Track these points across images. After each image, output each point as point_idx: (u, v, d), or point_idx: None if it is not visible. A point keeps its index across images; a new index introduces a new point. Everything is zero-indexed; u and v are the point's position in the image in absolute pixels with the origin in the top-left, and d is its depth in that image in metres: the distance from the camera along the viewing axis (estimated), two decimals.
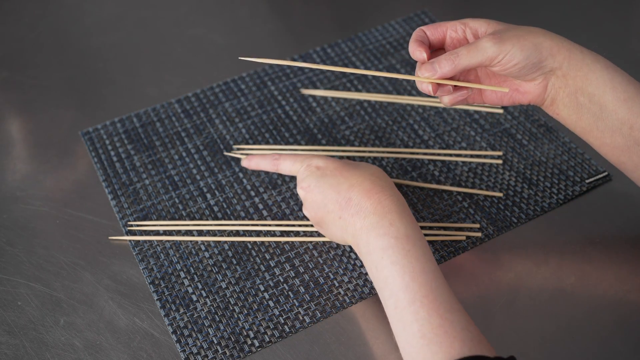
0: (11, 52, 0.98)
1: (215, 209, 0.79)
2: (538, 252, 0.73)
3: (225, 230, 0.76)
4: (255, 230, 0.76)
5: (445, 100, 0.66)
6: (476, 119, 0.86)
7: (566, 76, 0.64)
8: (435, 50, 0.67)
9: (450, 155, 0.82)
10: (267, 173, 0.81)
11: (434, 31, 0.65)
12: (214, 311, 0.70)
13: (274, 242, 0.75)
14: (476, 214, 0.77)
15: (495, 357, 0.55)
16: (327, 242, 0.75)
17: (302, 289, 0.71)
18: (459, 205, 0.77)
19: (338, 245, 0.74)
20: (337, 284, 0.72)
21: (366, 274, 0.72)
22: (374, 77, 0.92)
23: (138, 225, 0.77)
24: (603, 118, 0.64)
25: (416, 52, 0.63)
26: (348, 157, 0.82)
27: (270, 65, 0.94)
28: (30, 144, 0.87)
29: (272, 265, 0.73)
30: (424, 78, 0.63)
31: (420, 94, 0.89)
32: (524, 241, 0.74)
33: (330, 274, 0.72)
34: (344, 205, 0.65)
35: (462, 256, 0.73)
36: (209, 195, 0.80)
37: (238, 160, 0.83)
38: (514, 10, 1.01)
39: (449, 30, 0.65)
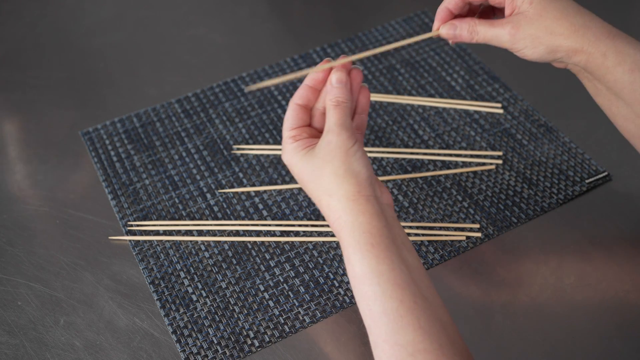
0: (11, 52, 0.98)
1: (215, 209, 0.79)
2: (538, 252, 0.73)
3: (225, 230, 0.76)
4: (255, 230, 0.76)
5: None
6: (476, 119, 0.86)
7: (585, 69, 0.63)
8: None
9: (450, 155, 0.82)
10: (266, 173, 0.81)
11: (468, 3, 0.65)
12: (214, 311, 0.70)
13: (274, 242, 0.75)
14: (476, 214, 0.77)
15: None
16: (327, 242, 0.75)
17: (302, 289, 0.71)
18: (459, 205, 0.77)
19: (338, 245, 0.74)
20: (337, 284, 0.72)
21: None
22: (373, 77, 0.92)
23: (138, 225, 0.77)
24: (618, 106, 0.64)
25: (437, 21, 0.66)
26: None
27: (270, 65, 0.94)
28: (31, 144, 0.87)
29: (272, 265, 0.73)
30: (436, 33, 0.66)
31: (420, 94, 0.89)
32: (524, 241, 0.74)
33: (330, 274, 0.72)
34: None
35: (462, 256, 0.73)
36: (209, 195, 0.80)
37: (238, 160, 0.83)
38: None
39: None
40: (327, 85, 0.60)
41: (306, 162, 0.58)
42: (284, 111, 0.88)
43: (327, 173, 0.57)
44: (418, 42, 0.96)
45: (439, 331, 0.52)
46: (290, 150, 0.60)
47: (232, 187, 0.81)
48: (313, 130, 0.62)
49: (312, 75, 0.61)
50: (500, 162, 0.81)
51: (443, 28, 0.65)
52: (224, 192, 0.80)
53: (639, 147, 0.66)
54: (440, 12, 0.65)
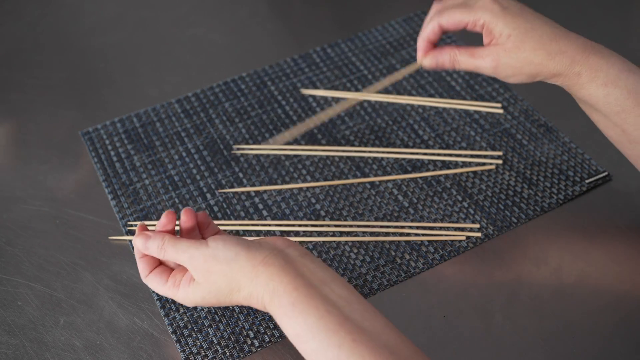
0: (11, 52, 0.98)
1: (215, 209, 0.79)
2: (538, 252, 0.73)
3: (225, 230, 0.76)
4: (255, 230, 0.76)
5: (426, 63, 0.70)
6: (476, 119, 0.86)
7: (562, 87, 0.67)
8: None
9: (450, 155, 0.82)
10: (266, 173, 0.81)
11: (454, 27, 0.67)
12: (214, 311, 0.70)
13: None
14: (476, 214, 0.77)
15: None
16: (327, 242, 0.75)
17: None
18: (459, 205, 0.77)
19: (338, 245, 0.74)
20: None
21: (366, 273, 0.72)
22: (373, 77, 0.92)
23: None
24: (598, 115, 0.67)
25: (420, 53, 0.68)
26: (348, 157, 0.82)
27: (270, 65, 0.94)
28: (30, 144, 0.87)
29: None
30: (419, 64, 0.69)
31: (420, 94, 0.89)
32: (524, 241, 0.74)
33: None
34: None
35: (462, 256, 0.73)
36: (209, 195, 0.80)
37: (238, 160, 0.83)
38: None
39: (469, 26, 0.66)
40: (135, 255, 0.64)
41: (202, 290, 0.60)
42: (284, 111, 0.88)
43: (220, 282, 0.58)
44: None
45: (387, 358, 0.51)
46: (183, 296, 0.62)
47: (232, 187, 0.81)
48: (177, 268, 0.64)
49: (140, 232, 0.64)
50: (500, 162, 0.81)
51: (425, 60, 0.68)
52: (224, 192, 0.80)
53: (622, 150, 0.68)
54: (421, 43, 0.68)
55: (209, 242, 0.60)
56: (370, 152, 0.83)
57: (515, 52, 0.64)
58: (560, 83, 0.65)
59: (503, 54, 0.64)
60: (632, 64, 0.65)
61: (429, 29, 0.66)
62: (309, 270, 0.56)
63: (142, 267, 0.64)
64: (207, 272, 0.59)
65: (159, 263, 0.65)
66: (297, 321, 0.54)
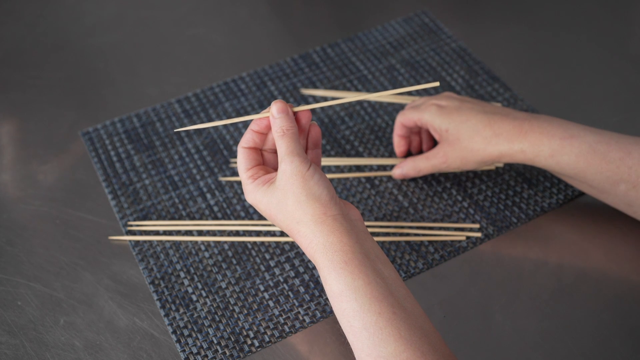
0: (11, 52, 0.98)
1: (215, 209, 0.79)
2: (538, 252, 0.73)
3: (225, 230, 0.76)
4: (255, 230, 0.76)
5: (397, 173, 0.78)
6: None
7: (522, 163, 0.73)
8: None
9: None
10: None
11: (411, 125, 0.76)
12: (214, 311, 0.70)
13: (274, 242, 0.75)
14: (476, 214, 0.77)
15: None
16: None
17: (302, 289, 0.71)
18: (459, 205, 0.77)
19: None
20: None
21: None
22: (373, 77, 0.92)
23: (138, 225, 0.77)
24: (564, 177, 0.72)
25: (395, 149, 0.80)
26: (350, 165, 0.82)
27: (270, 65, 0.94)
28: (30, 144, 0.87)
29: (272, 265, 0.73)
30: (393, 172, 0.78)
31: (420, 94, 0.89)
32: (524, 241, 0.74)
33: None
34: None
35: (462, 256, 0.73)
36: (209, 195, 0.80)
37: None
38: (514, 10, 1.01)
39: (418, 123, 0.75)
40: (270, 119, 0.61)
41: (270, 196, 0.60)
42: None
43: (290, 202, 0.58)
44: (418, 42, 0.96)
45: (421, 339, 0.53)
46: (252, 190, 0.61)
47: (232, 187, 0.81)
48: (267, 168, 0.63)
49: (257, 120, 0.62)
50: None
51: (394, 171, 0.78)
52: (229, 181, 0.80)
53: (600, 199, 0.72)
54: (395, 139, 0.79)
55: (312, 165, 0.59)
56: (370, 153, 0.83)
57: (457, 143, 0.71)
58: (511, 161, 0.71)
59: (448, 148, 0.72)
60: (576, 124, 0.69)
61: (396, 127, 0.77)
62: (368, 245, 0.58)
63: (247, 138, 0.62)
64: (290, 187, 0.58)
65: (261, 159, 0.64)
66: (345, 280, 0.55)
